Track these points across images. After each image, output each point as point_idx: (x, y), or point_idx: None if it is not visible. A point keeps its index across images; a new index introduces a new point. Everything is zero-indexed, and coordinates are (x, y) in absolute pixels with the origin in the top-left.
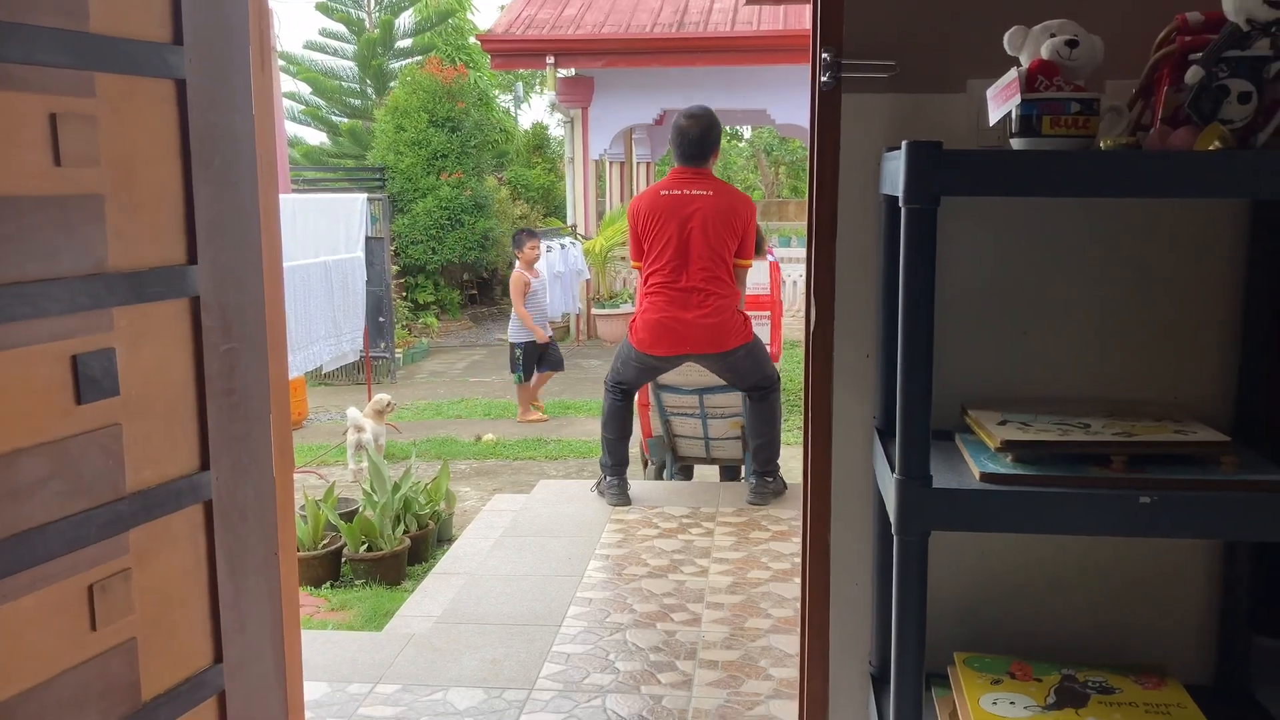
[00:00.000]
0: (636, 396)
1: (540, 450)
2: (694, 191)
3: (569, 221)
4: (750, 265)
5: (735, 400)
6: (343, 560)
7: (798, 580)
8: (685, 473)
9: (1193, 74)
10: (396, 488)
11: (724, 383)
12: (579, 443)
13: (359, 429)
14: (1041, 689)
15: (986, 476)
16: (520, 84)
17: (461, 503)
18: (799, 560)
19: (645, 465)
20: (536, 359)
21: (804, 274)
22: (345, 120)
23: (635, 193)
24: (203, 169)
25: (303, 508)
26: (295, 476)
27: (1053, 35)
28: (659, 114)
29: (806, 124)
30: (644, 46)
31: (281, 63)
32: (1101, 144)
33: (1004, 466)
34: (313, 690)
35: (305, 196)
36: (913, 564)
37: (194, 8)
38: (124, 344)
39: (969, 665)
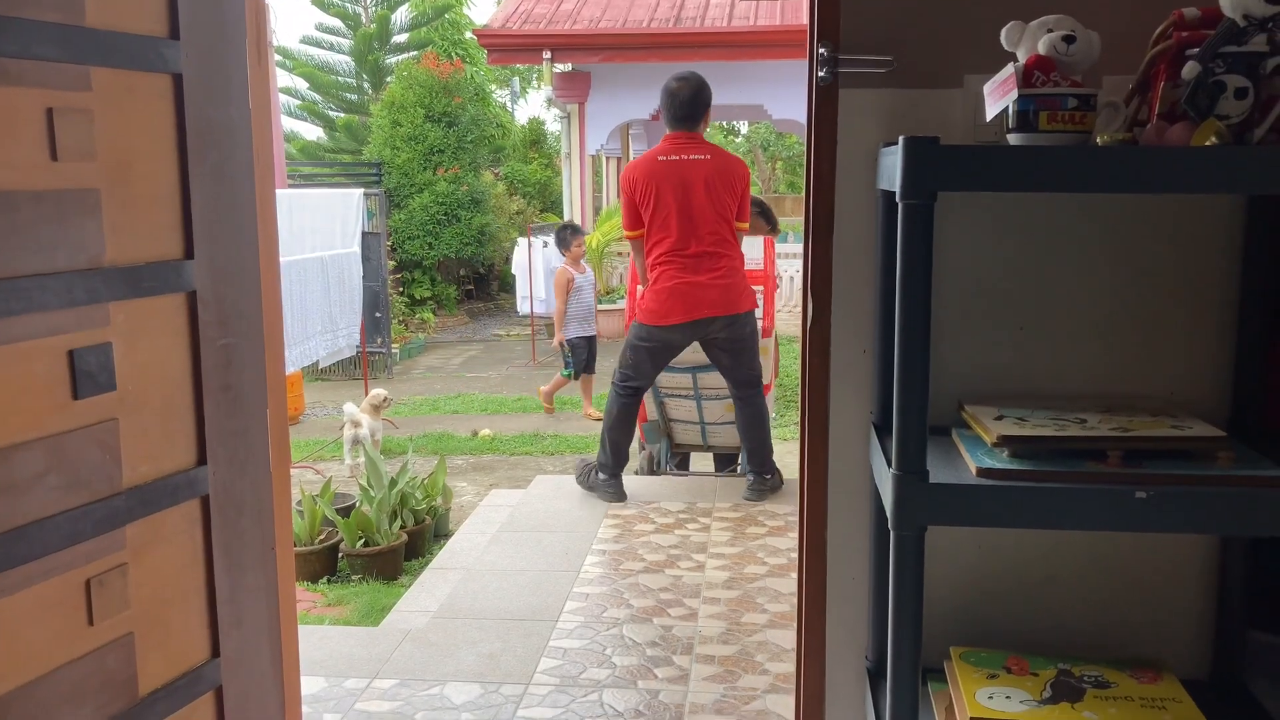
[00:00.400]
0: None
1: (537, 446)
2: (692, 156)
3: (565, 216)
4: (747, 228)
5: None
6: (339, 555)
7: (794, 575)
8: (682, 464)
9: (1189, 69)
10: (393, 483)
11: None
12: (575, 438)
13: (356, 424)
14: (1038, 683)
15: (983, 471)
16: (517, 79)
17: (458, 498)
18: (795, 555)
19: (641, 449)
20: (587, 355)
21: (800, 270)
22: (342, 115)
23: None
24: (199, 164)
25: (299, 503)
26: (292, 472)
27: (1050, 31)
28: (656, 109)
29: (803, 119)
30: (640, 41)
31: (278, 58)
32: (1098, 139)
33: (1000, 461)
34: (310, 685)
35: (301, 192)
36: (909, 559)
37: (190, 2)
38: (121, 339)
39: (965, 660)
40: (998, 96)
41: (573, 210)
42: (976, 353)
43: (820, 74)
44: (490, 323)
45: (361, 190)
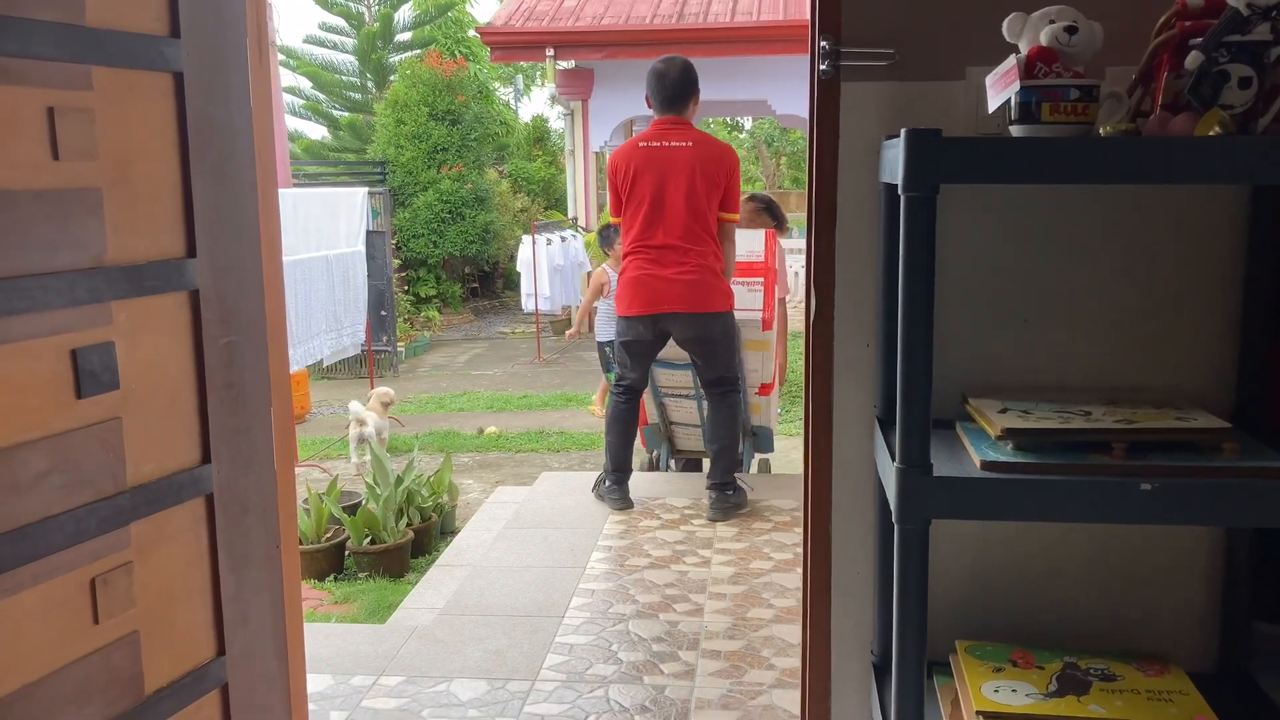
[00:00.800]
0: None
1: (542, 443)
2: (673, 144)
3: (569, 214)
4: (736, 220)
5: None
6: (346, 553)
7: (800, 570)
8: (689, 466)
9: (1192, 59)
10: (399, 481)
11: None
12: (581, 434)
13: (361, 422)
14: (1043, 676)
15: (987, 465)
16: (520, 77)
17: (464, 495)
18: (801, 550)
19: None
20: None
21: (805, 264)
22: (346, 114)
23: None
24: (200, 162)
25: (306, 501)
26: (299, 470)
27: (1051, 21)
28: (648, 105)
29: (807, 114)
30: (644, 38)
31: (281, 57)
32: (1101, 130)
33: (1004, 454)
34: (316, 682)
35: (306, 191)
36: (913, 552)
37: (191, 1)
38: (123, 338)
39: (971, 653)
40: (1000, 88)
41: (576, 207)
42: (980, 345)
43: (822, 67)
44: (495, 320)
45: (365, 189)
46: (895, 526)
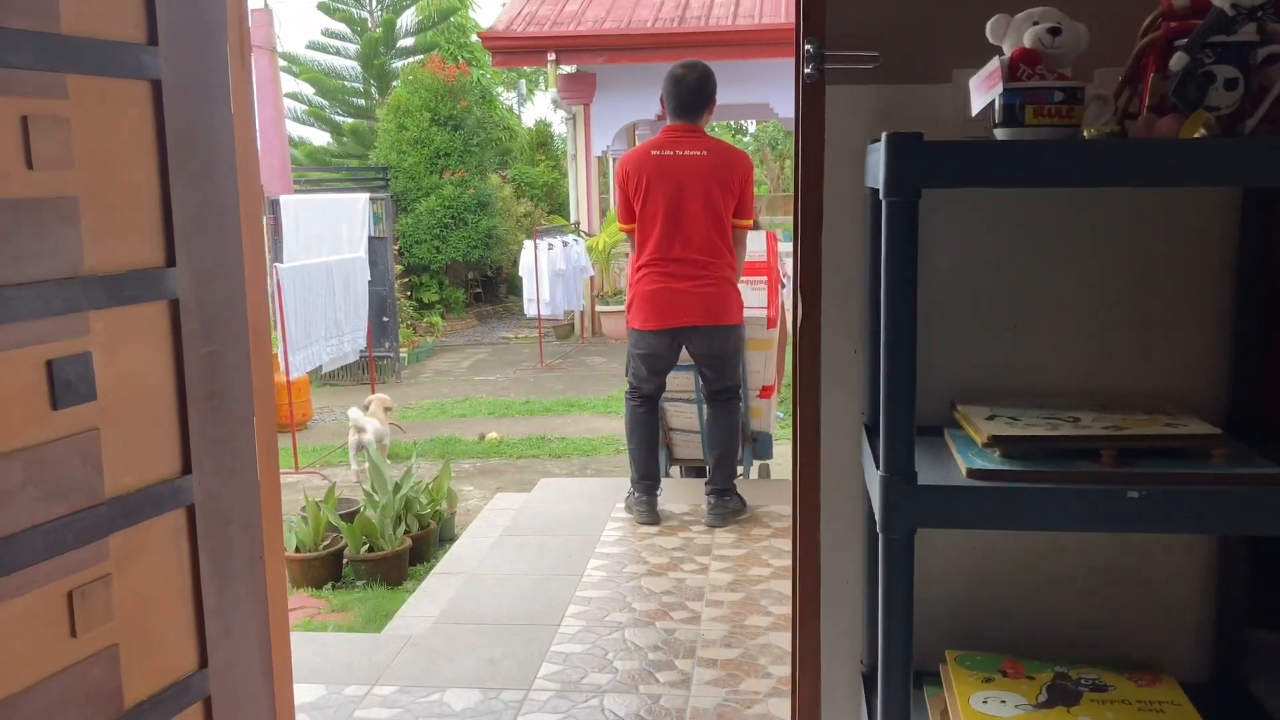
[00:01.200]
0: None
1: (544, 449)
2: (687, 152)
3: (572, 218)
4: (750, 226)
5: None
6: (344, 561)
7: None
8: (695, 470)
9: (1177, 60)
10: (397, 488)
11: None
12: (583, 440)
13: (360, 429)
14: (1033, 687)
15: (973, 472)
16: (523, 82)
17: (464, 502)
18: None
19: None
20: None
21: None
22: (349, 120)
23: None
24: (180, 170)
25: (303, 509)
26: (299, 478)
27: (1035, 23)
28: (661, 110)
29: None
30: (646, 42)
31: (284, 63)
32: (1085, 133)
33: (991, 462)
34: (309, 693)
35: (307, 197)
36: (898, 562)
37: (169, 8)
38: (101, 348)
39: (960, 664)
40: (983, 90)
41: (579, 212)
42: (969, 352)
43: (807, 71)
44: (499, 325)
45: (367, 195)
46: (879, 536)
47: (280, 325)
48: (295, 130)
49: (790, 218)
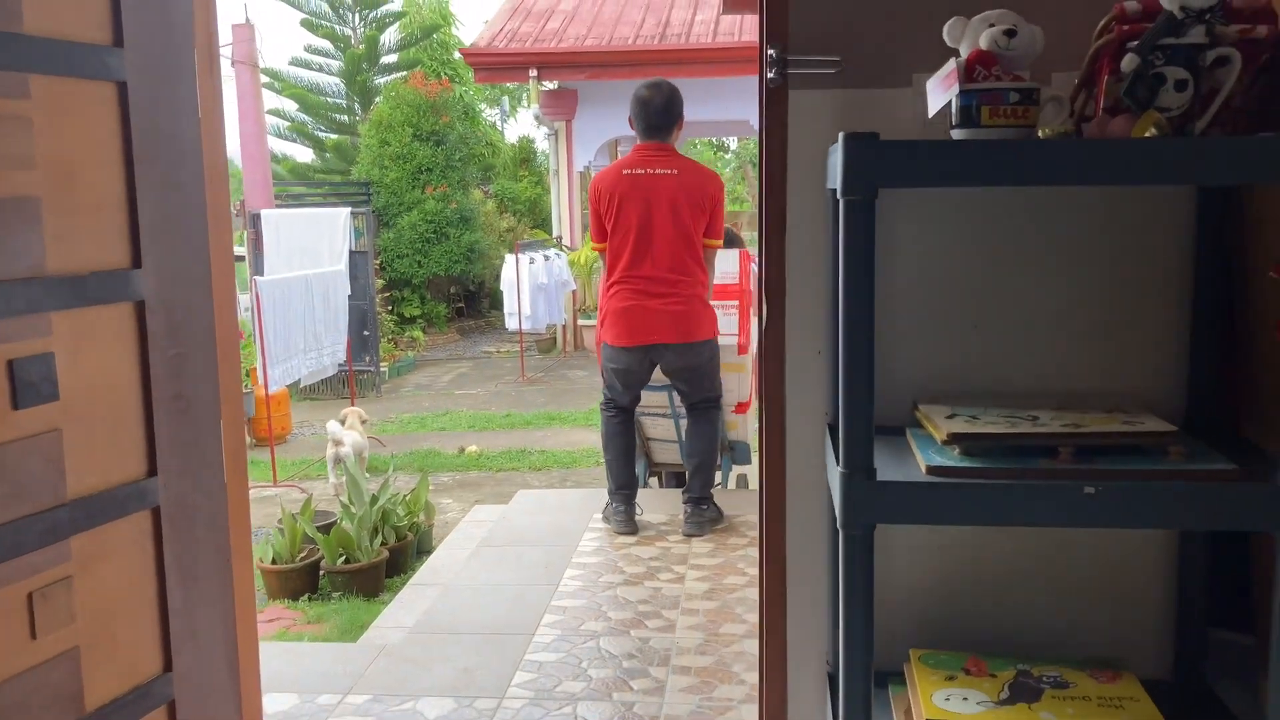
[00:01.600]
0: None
1: (524, 461)
2: (659, 171)
3: (554, 233)
4: (719, 245)
5: None
6: (321, 573)
7: None
8: (675, 479)
9: (1128, 61)
10: (374, 500)
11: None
12: (562, 453)
13: (338, 442)
14: (995, 684)
15: (932, 469)
16: (506, 98)
17: (443, 514)
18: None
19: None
20: None
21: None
22: (332, 136)
23: None
24: (146, 172)
25: (280, 521)
26: (277, 491)
27: (991, 25)
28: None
29: None
30: (627, 59)
31: (267, 79)
32: (1041, 133)
33: (950, 459)
34: (281, 701)
35: (288, 211)
36: (859, 559)
37: (135, 10)
38: (64, 348)
39: (924, 662)
40: (940, 92)
41: (561, 226)
42: (931, 352)
43: (770, 76)
44: (481, 340)
45: (348, 209)
46: (840, 532)
47: (259, 338)
48: (279, 146)
49: None
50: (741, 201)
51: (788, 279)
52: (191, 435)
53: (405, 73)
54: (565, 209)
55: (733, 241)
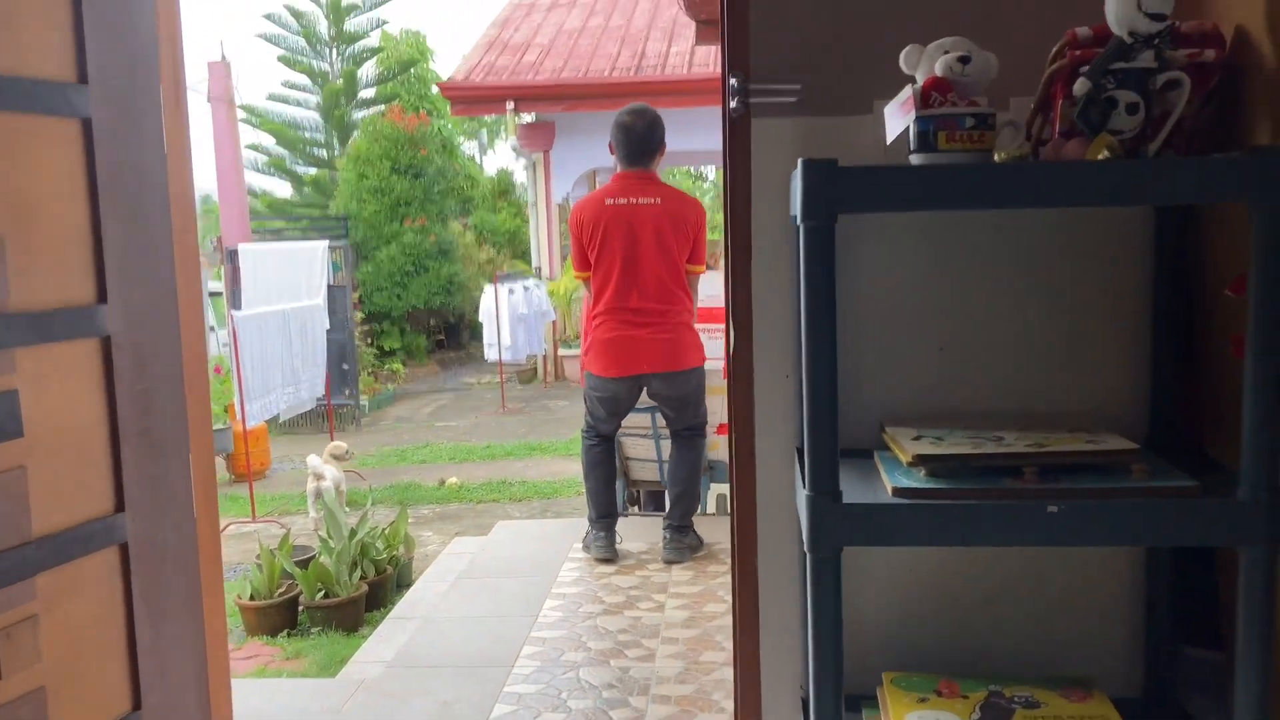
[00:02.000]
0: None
1: (504, 492)
2: (641, 200)
3: (533, 264)
4: (702, 271)
5: None
6: (299, 608)
7: None
8: (654, 500)
9: (1079, 86)
10: (353, 534)
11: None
12: (543, 484)
13: (319, 477)
14: (967, 706)
15: (898, 491)
16: (484, 130)
17: (423, 547)
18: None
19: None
20: None
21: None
22: (310, 171)
23: None
24: (112, 207)
25: (258, 557)
26: (256, 526)
27: (946, 52)
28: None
29: None
30: (603, 90)
31: (244, 114)
32: (997, 157)
33: (916, 481)
34: None
35: (266, 246)
36: (826, 582)
37: (100, 47)
38: (28, 386)
39: (896, 685)
40: (898, 118)
41: (540, 257)
42: (898, 374)
43: (732, 104)
44: (461, 371)
45: (326, 243)
46: (807, 555)
47: (236, 373)
48: (257, 181)
49: None
50: (719, 229)
51: (754, 304)
52: (160, 470)
53: (383, 107)
54: (544, 240)
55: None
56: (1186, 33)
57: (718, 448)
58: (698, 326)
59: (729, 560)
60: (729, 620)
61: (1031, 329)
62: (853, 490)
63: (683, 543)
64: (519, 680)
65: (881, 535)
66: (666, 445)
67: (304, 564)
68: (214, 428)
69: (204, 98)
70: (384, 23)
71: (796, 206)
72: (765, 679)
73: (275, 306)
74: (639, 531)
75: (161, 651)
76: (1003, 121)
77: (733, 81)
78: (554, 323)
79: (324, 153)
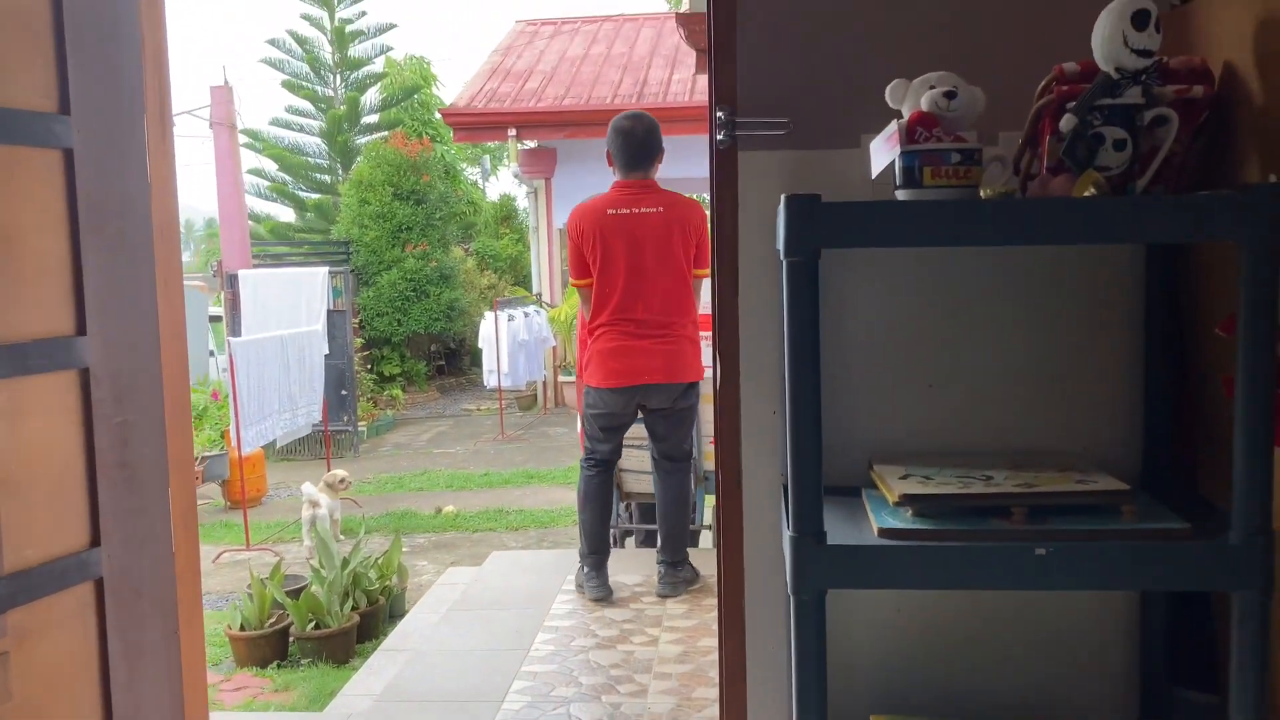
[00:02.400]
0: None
1: (501, 521)
2: (644, 210)
3: (534, 290)
4: (707, 274)
5: None
6: (290, 639)
7: None
8: (647, 514)
9: (1066, 122)
10: (345, 563)
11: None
12: (540, 512)
13: (314, 504)
14: None
15: (884, 532)
16: (487, 157)
17: (417, 577)
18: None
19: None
20: None
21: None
22: (313, 196)
23: None
24: (93, 239)
25: (249, 586)
26: (250, 554)
27: (932, 87)
28: (609, 163)
29: None
30: (604, 117)
31: (246, 139)
32: (983, 193)
33: (903, 521)
34: None
35: (266, 271)
36: (810, 624)
37: (83, 77)
38: (2, 418)
39: None
40: (884, 153)
41: (541, 283)
42: (887, 412)
43: (719, 137)
44: (461, 398)
45: (326, 268)
46: (790, 597)
47: (233, 400)
48: (260, 206)
49: None
50: None
51: (742, 339)
52: (137, 504)
53: (386, 132)
54: (545, 266)
55: None
56: (1175, 69)
57: (712, 457)
58: (701, 335)
59: None
60: None
61: (1023, 366)
62: (838, 530)
63: (677, 577)
64: (508, 716)
65: (866, 578)
66: None
67: (295, 594)
68: (210, 454)
69: (206, 123)
70: (388, 49)
71: (779, 241)
72: (753, 718)
73: (273, 332)
74: (634, 564)
75: (137, 689)
76: (989, 157)
77: (720, 114)
78: (554, 349)
79: (327, 178)
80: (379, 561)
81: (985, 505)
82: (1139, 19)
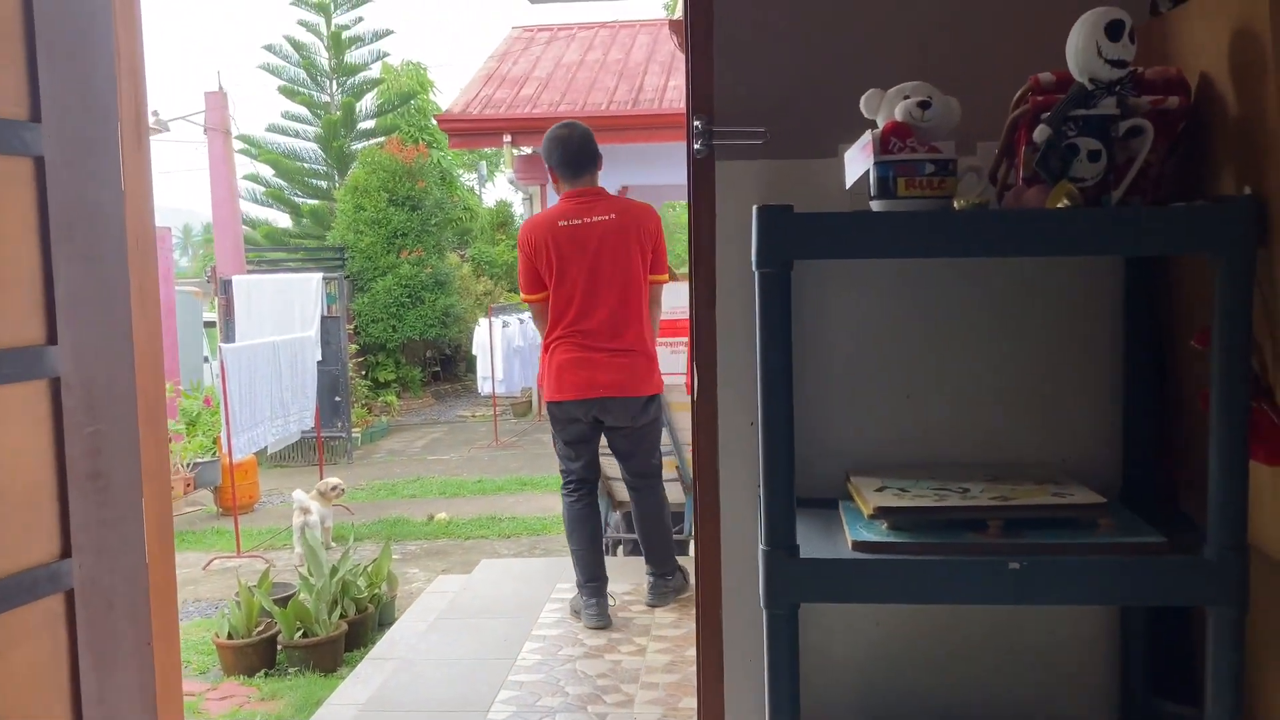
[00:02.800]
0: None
1: (493, 529)
2: (595, 219)
3: None
4: (666, 280)
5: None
6: (278, 647)
7: None
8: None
9: (1040, 132)
10: (334, 571)
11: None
12: (533, 519)
13: (305, 511)
14: None
15: (858, 545)
16: (484, 163)
17: (408, 584)
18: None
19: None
20: None
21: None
22: (308, 202)
23: None
24: (64, 248)
25: (236, 594)
26: (241, 561)
27: (906, 97)
28: (618, 190)
29: None
30: (600, 124)
31: (242, 145)
32: (957, 204)
33: (877, 534)
34: None
35: (260, 277)
36: (782, 638)
37: (54, 85)
38: None
39: None
40: (858, 163)
41: None
42: (865, 423)
43: (696, 146)
44: (457, 404)
45: (320, 274)
46: (763, 612)
47: (224, 406)
48: (255, 212)
49: None
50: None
51: (719, 350)
52: (110, 514)
53: (382, 138)
54: None
55: None
56: (1150, 79)
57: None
58: (660, 340)
59: None
60: None
61: (1002, 377)
62: (813, 543)
63: (666, 586)
64: None
65: (839, 593)
66: None
67: (284, 602)
68: (202, 460)
69: (201, 128)
70: (385, 55)
71: (752, 252)
72: None
73: (265, 339)
74: (624, 573)
75: (109, 702)
76: (964, 168)
77: (697, 123)
78: None
79: (323, 183)
80: (368, 569)
81: (960, 518)
82: (1113, 29)
